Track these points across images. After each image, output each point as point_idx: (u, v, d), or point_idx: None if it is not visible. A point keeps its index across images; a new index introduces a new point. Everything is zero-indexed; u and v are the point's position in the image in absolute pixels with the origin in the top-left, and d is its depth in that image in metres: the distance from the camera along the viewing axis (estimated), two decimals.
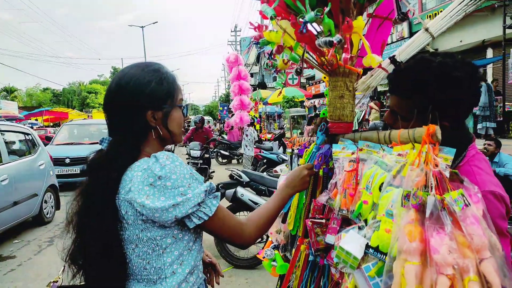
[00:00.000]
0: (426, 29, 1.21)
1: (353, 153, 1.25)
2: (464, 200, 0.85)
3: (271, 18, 1.34)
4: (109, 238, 1.09)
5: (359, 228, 1.11)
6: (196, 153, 8.42)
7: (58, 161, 8.93)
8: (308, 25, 1.21)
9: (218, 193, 1.14)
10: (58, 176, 8.79)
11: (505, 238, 1.04)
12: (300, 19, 1.20)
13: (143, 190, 1.04)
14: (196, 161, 8.41)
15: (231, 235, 1.17)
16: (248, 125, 10.66)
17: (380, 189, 1.07)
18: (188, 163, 8.15)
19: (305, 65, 1.41)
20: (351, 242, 1.08)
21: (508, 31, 10.71)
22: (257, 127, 11.71)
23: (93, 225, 1.09)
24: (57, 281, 1.25)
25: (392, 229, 0.93)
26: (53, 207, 6.68)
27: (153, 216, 1.04)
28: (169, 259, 1.11)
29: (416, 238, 0.86)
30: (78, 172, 8.97)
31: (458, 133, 1.17)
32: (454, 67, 1.10)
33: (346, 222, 1.24)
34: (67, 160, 9.03)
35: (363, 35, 1.36)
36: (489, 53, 12.87)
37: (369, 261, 1.02)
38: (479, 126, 10.48)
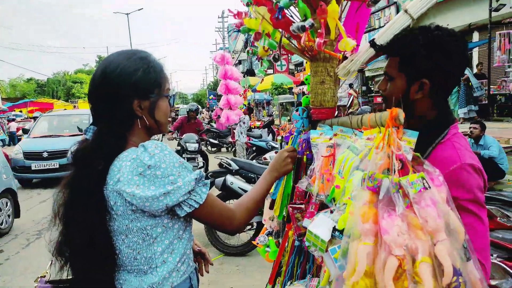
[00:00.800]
0: (406, 11, 1.21)
1: (330, 139, 1.27)
2: (424, 183, 0.86)
3: (248, 5, 1.34)
4: (96, 229, 1.08)
5: (331, 212, 1.14)
6: (194, 146, 7.38)
7: (34, 155, 8.46)
8: (286, 11, 1.20)
9: (208, 181, 1.14)
10: (34, 172, 8.46)
11: (483, 209, 1.09)
12: (276, 5, 1.20)
13: (133, 180, 1.03)
14: (193, 156, 7.43)
15: (222, 222, 1.18)
16: (244, 113, 10.58)
17: None
18: (181, 157, 7.33)
19: (283, 52, 1.42)
20: (320, 225, 1.11)
21: (493, 14, 10.78)
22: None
23: (79, 217, 1.08)
24: (45, 275, 1.24)
25: (353, 211, 0.96)
26: (10, 216, 5.62)
27: (144, 206, 1.04)
28: (159, 248, 1.11)
29: (369, 219, 0.88)
30: (57, 166, 8.38)
31: (444, 111, 1.22)
32: (438, 28, 1.21)
33: (324, 207, 1.26)
34: (45, 154, 8.51)
35: (344, 19, 1.36)
36: (475, 36, 12.97)
37: (336, 244, 1.04)
38: (464, 110, 10.64)
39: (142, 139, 1.14)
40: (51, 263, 1.19)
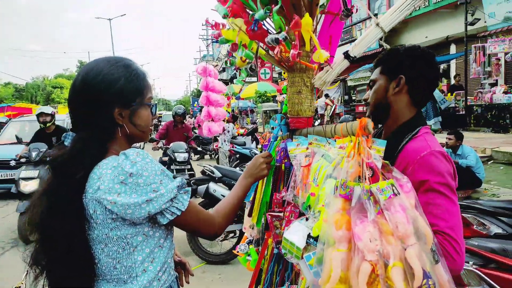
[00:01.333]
0: (377, 24, 1.28)
1: (307, 148, 1.31)
2: (393, 190, 0.90)
3: (224, 17, 1.38)
4: (74, 238, 1.06)
5: (307, 219, 1.16)
6: (184, 156, 6.43)
7: (0, 164, 7.76)
8: (262, 22, 1.25)
9: (189, 188, 1.15)
10: (0, 181, 7.77)
11: (453, 193, 1.14)
12: (252, 17, 1.24)
13: (114, 188, 1.02)
14: (183, 167, 6.50)
15: (202, 228, 1.18)
16: (228, 122, 10.53)
17: None
18: (169, 169, 6.44)
19: (262, 61, 1.48)
20: (295, 233, 1.13)
21: (469, 27, 11.17)
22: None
23: (57, 226, 1.06)
24: (20, 286, 1.20)
25: (326, 218, 0.99)
26: None
27: (125, 213, 1.03)
28: (140, 257, 1.10)
29: (342, 226, 0.91)
30: None
31: (419, 114, 1.34)
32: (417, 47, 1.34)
33: (302, 215, 1.27)
34: (12, 163, 7.41)
35: (319, 31, 1.41)
36: (453, 48, 13.39)
37: (311, 251, 1.06)
38: (432, 121, 10.93)
39: (123, 147, 1.14)
40: (27, 272, 1.16)
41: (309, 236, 1.08)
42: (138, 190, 1.03)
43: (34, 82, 51.87)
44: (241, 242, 1.86)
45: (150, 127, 1.23)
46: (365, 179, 0.93)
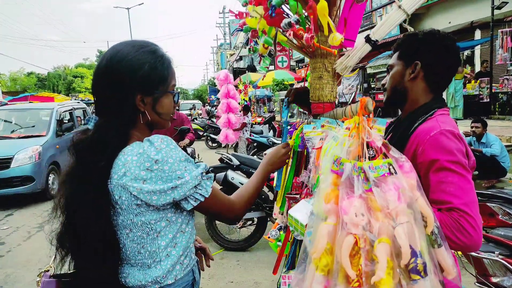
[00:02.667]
0: (399, 7, 1.26)
1: (323, 132, 1.33)
2: (389, 169, 0.90)
3: (244, 5, 1.40)
4: (99, 224, 1.07)
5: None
6: None
7: None
8: (283, 9, 1.27)
9: (212, 174, 1.16)
10: None
11: (467, 171, 1.12)
12: (270, 3, 1.25)
13: (140, 175, 1.03)
14: None
15: (223, 212, 1.20)
16: (245, 114, 10.56)
17: None
18: None
19: (281, 48, 1.50)
20: (300, 210, 1.16)
21: (496, 12, 10.72)
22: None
23: (82, 211, 1.07)
24: (49, 270, 1.23)
25: (319, 193, 1.01)
26: None
27: (151, 199, 1.04)
28: (163, 242, 1.12)
29: (330, 200, 0.93)
30: None
31: (437, 98, 1.32)
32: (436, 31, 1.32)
33: None
34: None
35: (340, 16, 1.42)
36: (477, 34, 12.90)
37: (312, 227, 1.09)
38: None
39: (144, 134, 1.14)
40: (55, 257, 1.19)
41: (311, 213, 1.10)
42: (163, 177, 1.03)
43: (56, 71, 52.96)
44: (272, 228, 1.89)
45: (171, 115, 1.23)
46: (365, 157, 0.94)
